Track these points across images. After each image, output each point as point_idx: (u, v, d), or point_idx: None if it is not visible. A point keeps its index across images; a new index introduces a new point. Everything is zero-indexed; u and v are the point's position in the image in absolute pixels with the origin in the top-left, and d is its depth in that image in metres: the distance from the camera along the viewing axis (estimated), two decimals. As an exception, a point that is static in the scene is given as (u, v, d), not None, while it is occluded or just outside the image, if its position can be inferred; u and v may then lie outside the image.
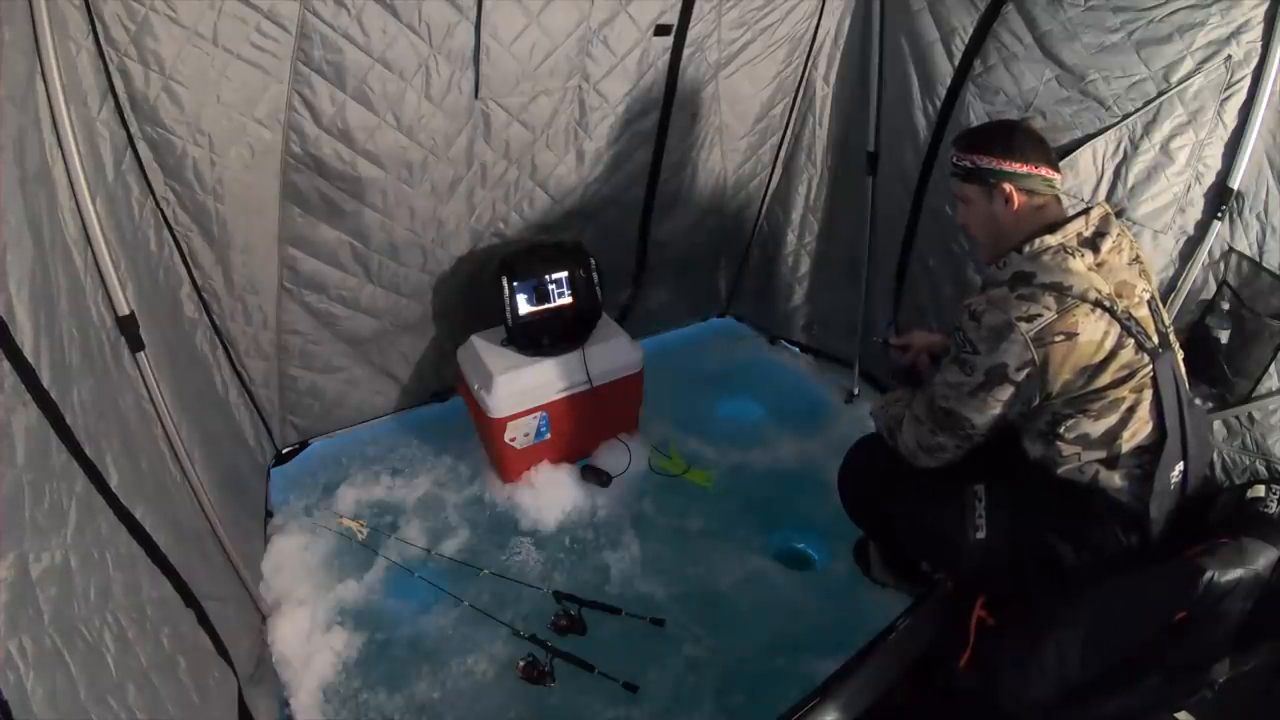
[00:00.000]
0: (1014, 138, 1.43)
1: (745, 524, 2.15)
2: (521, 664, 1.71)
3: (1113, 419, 1.33)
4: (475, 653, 1.77)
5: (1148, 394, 1.32)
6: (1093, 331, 1.27)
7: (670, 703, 1.68)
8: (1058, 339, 1.27)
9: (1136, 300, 1.35)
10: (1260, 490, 1.43)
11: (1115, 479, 1.35)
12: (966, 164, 1.45)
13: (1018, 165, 1.40)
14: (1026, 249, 1.37)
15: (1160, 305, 1.42)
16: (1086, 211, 1.39)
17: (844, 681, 1.41)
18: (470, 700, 1.69)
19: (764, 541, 2.09)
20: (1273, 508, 1.39)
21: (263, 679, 1.63)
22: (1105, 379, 1.30)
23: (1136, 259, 1.41)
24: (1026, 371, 1.30)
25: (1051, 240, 1.35)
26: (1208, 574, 1.20)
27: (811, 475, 2.26)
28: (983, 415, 1.38)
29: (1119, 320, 1.28)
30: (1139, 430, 1.34)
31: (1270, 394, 1.56)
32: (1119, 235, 1.38)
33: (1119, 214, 1.73)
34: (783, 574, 1.99)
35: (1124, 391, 1.31)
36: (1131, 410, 1.32)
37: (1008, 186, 1.40)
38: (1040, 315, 1.28)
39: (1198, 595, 1.20)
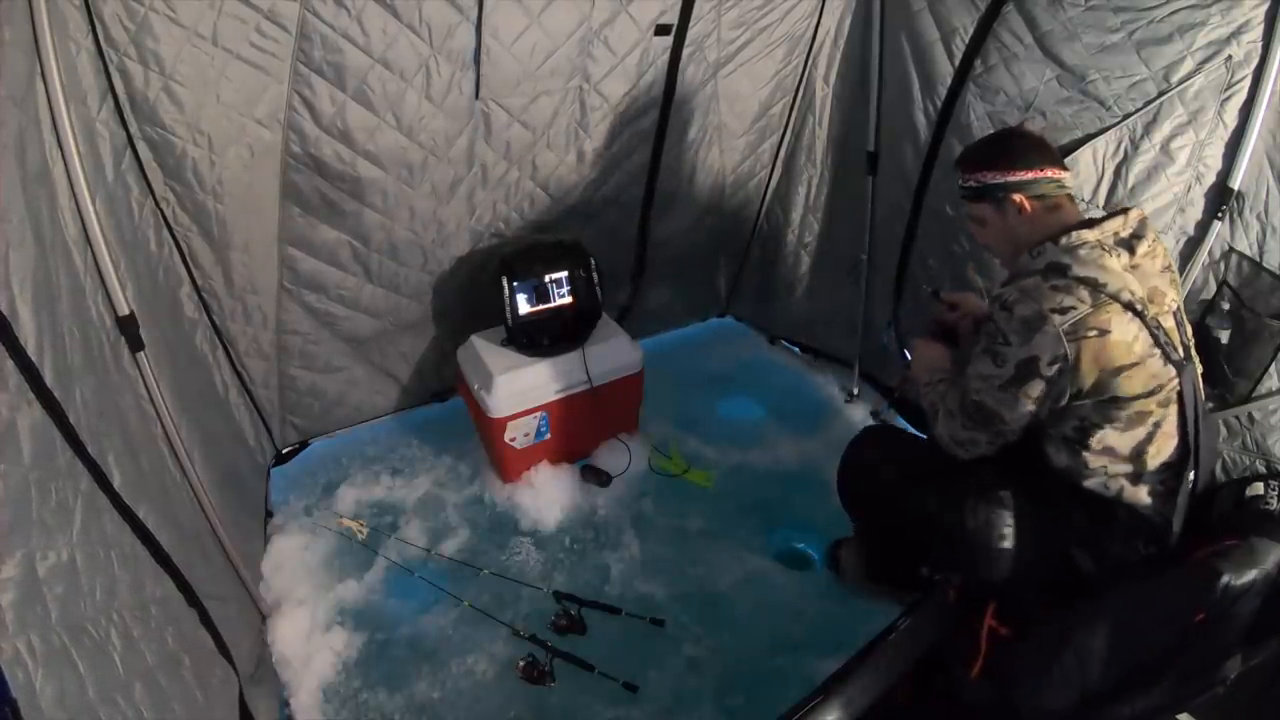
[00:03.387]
0: (1014, 146, 1.41)
1: (745, 524, 2.14)
2: (521, 664, 1.71)
3: (1140, 432, 1.30)
4: (475, 653, 1.77)
5: (1173, 409, 1.30)
6: (1124, 332, 1.25)
7: (670, 703, 1.68)
8: (1090, 334, 1.24)
9: (1165, 309, 1.32)
10: (1259, 487, 1.43)
11: (1142, 494, 1.33)
12: (973, 183, 1.43)
13: (1023, 173, 1.38)
14: (1063, 240, 1.33)
15: (1185, 318, 1.39)
16: (1125, 212, 1.36)
17: (844, 681, 1.42)
18: (470, 700, 1.69)
19: (764, 541, 2.09)
20: (1274, 504, 1.38)
21: (263, 679, 1.63)
22: (1134, 387, 1.27)
23: (1169, 267, 1.38)
24: (1058, 366, 1.27)
25: (1090, 235, 1.32)
26: (1224, 578, 1.19)
27: (811, 475, 2.26)
28: (1014, 411, 1.34)
29: (1149, 327, 1.26)
30: (1164, 446, 1.32)
31: (1270, 394, 1.56)
32: (1154, 241, 1.35)
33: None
34: (783, 574, 1.99)
35: (1151, 405, 1.29)
36: (1158, 425, 1.30)
37: (1018, 197, 1.38)
38: (1074, 308, 1.25)
39: (1215, 599, 1.19)
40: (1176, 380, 1.29)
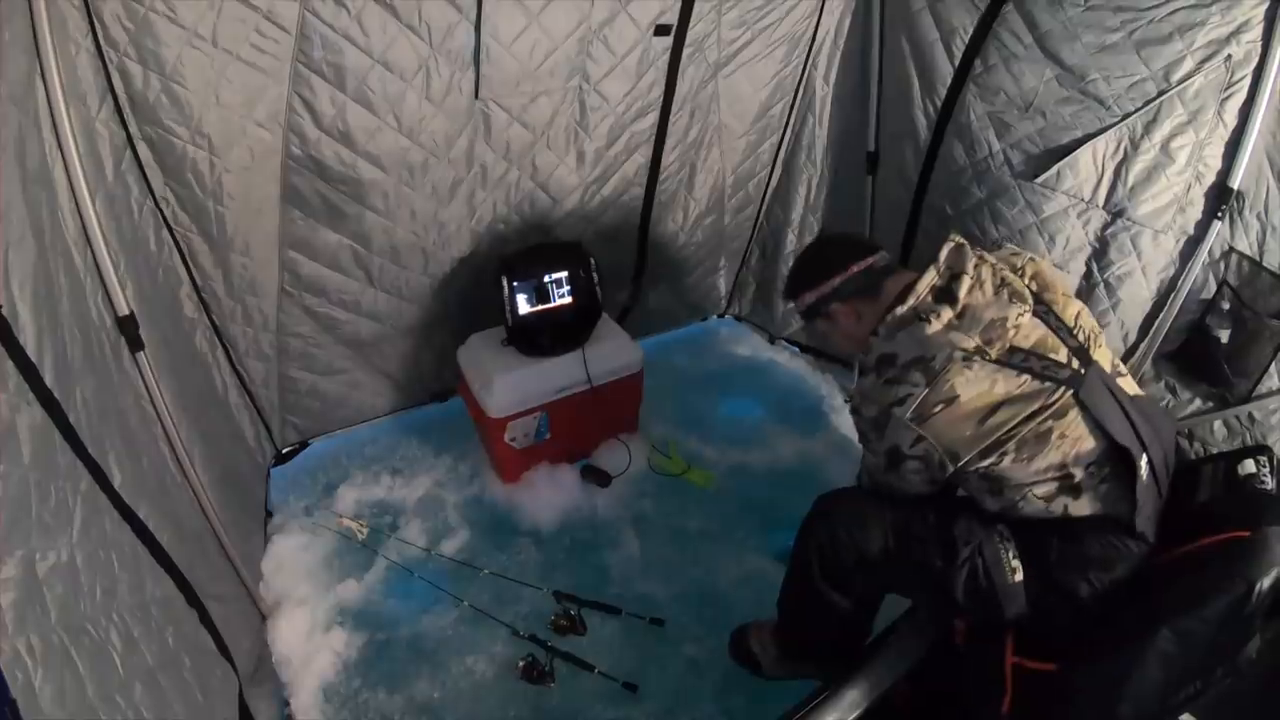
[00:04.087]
0: (816, 258, 1.52)
1: (745, 524, 2.15)
2: (521, 664, 1.72)
3: (1049, 451, 1.25)
4: (475, 653, 1.78)
5: (1074, 413, 1.25)
6: (974, 385, 1.23)
7: (670, 703, 1.68)
8: (937, 409, 1.24)
9: (1015, 330, 1.26)
10: (1250, 465, 1.37)
11: (1086, 503, 1.27)
12: (801, 307, 1.52)
13: (832, 280, 1.44)
14: (881, 328, 1.34)
15: (1059, 311, 1.32)
16: (935, 259, 1.34)
17: (843, 682, 1.42)
18: (470, 700, 1.69)
19: (763, 541, 2.09)
20: (1269, 482, 1.35)
21: (263, 679, 1.63)
22: (1012, 419, 1.23)
23: (1003, 283, 1.31)
24: (922, 445, 1.28)
25: (902, 310, 1.31)
26: (1257, 587, 1.15)
27: (811, 475, 2.26)
28: (907, 486, 1.36)
29: (1002, 363, 1.23)
30: (1080, 448, 1.25)
31: (1270, 394, 1.56)
32: (977, 266, 1.32)
33: (1118, 214, 1.73)
34: (782, 574, 1.99)
35: (1045, 423, 1.24)
36: (1064, 435, 1.25)
37: (835, 304, 1.45)
38: (912, 394, 1.25)
39: (1251, 611, 1.16)
40: (1064, 390, 1.24)
